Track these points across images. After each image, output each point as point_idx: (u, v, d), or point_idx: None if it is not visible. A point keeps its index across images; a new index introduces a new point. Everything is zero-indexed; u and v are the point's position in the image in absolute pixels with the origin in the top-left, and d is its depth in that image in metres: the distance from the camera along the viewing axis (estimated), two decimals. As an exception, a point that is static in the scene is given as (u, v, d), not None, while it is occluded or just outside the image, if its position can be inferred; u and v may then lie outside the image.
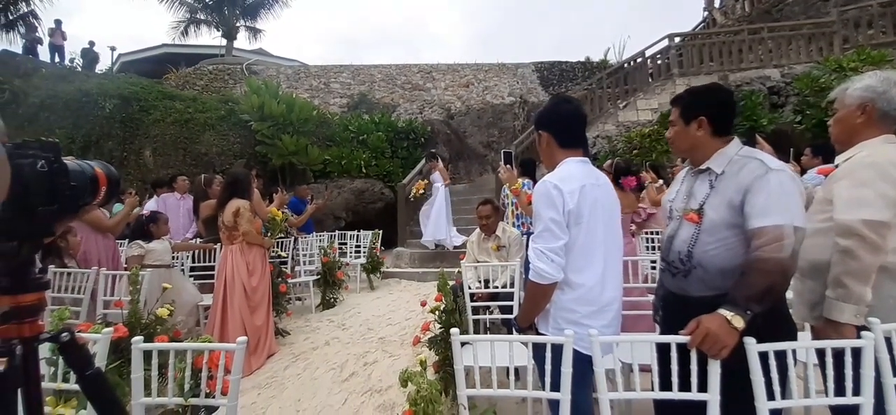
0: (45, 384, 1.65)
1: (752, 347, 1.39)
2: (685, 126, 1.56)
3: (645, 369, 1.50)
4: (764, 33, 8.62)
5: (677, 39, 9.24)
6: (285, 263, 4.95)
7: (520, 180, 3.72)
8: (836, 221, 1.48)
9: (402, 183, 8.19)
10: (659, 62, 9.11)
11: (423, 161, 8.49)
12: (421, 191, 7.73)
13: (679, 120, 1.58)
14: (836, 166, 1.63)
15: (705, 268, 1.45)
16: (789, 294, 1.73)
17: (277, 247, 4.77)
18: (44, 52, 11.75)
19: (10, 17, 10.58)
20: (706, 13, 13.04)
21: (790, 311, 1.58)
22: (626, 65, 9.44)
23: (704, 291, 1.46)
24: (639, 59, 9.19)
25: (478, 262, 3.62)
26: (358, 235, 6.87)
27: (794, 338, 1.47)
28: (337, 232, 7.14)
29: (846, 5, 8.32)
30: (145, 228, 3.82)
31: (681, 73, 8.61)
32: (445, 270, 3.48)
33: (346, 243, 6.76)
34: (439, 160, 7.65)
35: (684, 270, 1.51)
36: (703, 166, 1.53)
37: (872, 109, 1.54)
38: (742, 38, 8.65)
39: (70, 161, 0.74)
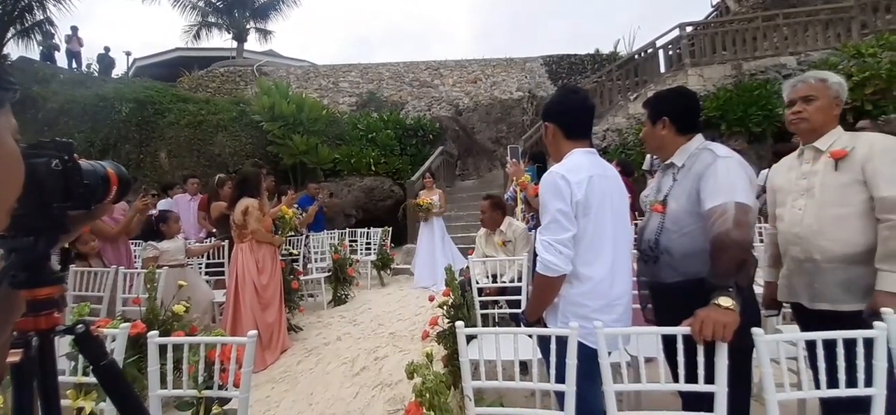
0: (67, 378, 1.71)
1: (761, 338, 1.38)
2: (652, 126, 1.74)
3: (650, 361, 1.50)
4: (779, 20, 8.40)
5: (689, 29, 9.06)
6: (296, 260, 5.02)
7: (527, 174, 3.71)
8: (886, 197, 1.52)
9: (411, 180, 8.22)
10: (670, 53, 8.95)
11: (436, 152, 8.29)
12: (425, 206, 6.31)
13: (647, 121, 1.77)
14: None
15: (671, 254, 1.59)
16: (831, 285, 1.64)
17: (288, 245, 4.84)
18: (61, 59, 12.08)
19: (26, 24, 10.81)
20: (718, 1, 12.74)
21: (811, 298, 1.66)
22: (636, 56, 9.30)
23: (673, 277, 1.59)
24: (649, 50, 9.04)
25: (486, 256, 3.63)
26: (368, 232, 6.92)
27: (758, 323, 1.53)
28: (347, 229, 7.21)
29: (864, -11, 8.06)
30: (156, 228, 3.87)
31: (693, 63, 8.43)
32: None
33: (356, 240, 6.82)
34: (433, 181, 6.86)
35: (654, 257, 1.65)
36: (668, 162, 1.71)
37: (841, 102, 1.73)
38: (756, 26, 8.44)
39: (83, 161, 0.77)
